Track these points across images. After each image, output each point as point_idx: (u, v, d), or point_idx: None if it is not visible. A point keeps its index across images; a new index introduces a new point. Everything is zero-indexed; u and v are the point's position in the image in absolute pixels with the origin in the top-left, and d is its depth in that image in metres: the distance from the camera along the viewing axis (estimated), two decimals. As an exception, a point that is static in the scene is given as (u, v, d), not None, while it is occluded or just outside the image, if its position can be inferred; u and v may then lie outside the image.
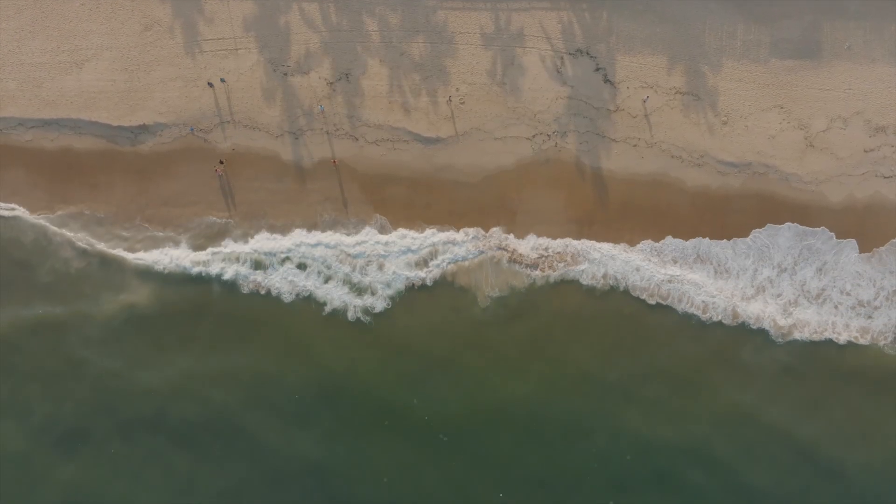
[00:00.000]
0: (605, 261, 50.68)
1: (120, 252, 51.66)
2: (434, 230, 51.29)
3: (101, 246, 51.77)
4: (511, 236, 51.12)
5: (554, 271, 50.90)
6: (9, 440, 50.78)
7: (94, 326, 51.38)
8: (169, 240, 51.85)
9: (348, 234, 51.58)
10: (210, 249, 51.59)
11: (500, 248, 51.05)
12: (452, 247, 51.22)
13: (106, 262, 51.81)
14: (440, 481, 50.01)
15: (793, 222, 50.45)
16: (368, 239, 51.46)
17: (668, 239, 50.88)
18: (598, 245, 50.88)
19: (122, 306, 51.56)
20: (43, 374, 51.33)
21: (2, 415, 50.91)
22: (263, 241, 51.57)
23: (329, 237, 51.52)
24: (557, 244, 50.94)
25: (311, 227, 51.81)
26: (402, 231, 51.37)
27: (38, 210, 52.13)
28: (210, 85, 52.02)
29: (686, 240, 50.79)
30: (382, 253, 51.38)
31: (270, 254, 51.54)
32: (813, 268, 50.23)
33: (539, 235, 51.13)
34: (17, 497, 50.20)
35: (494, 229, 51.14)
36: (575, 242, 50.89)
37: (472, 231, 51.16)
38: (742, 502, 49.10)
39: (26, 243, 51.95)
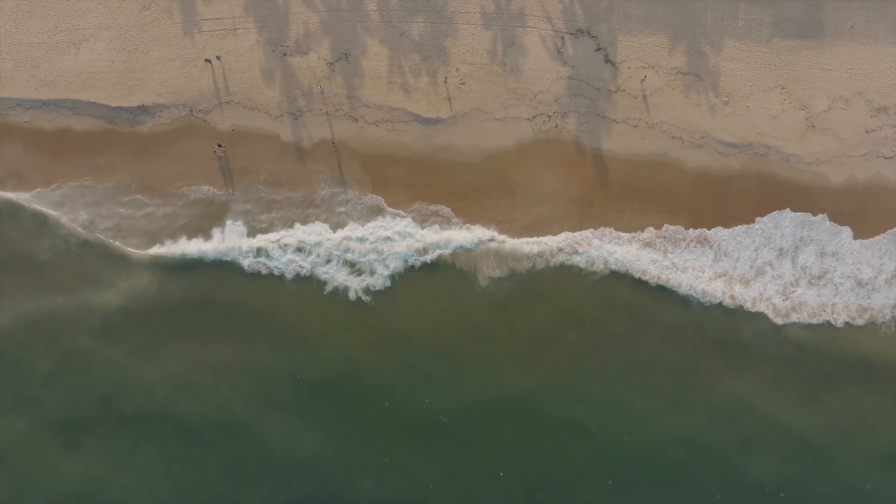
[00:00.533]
0: (606, 248, 50.65)
1: (117, 243, 51.76)
2: (435, 228, 51.18)
3: (99, 234, 51.78)
4: (513, 240, 51.18)
5: (554, 257, 50.93)
6: (8, 433, 51.15)
7: (90, 313, 51.59)
8: (168, 217, 51.83)
9: (348, 224, 51.55)
10: (214, 241, 51.59)
11: (500, 242, 51.15)
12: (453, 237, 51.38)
13: (103, 247, 51.86)
14: (441, 462, 50.36)
15: (794, 204, 50.23)
16: (369, 229, 51.45)
17: (671, 227, 50.85)
18: (599, 232, 50.83)
19: (119, 292, 51.68)
20: (40, 365, 51.68)
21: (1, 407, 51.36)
22: (267, 236, 51.69)
23: (326, 230, 51.51)
24: (558, 239, 50.88)
25: (309, 204, 51.80)
26: (403, 222, 51.25)
27: (37, 187, 52.12)
28: (208, 61, 51.72)
29: (687, 228, 50.67)
30: (383, 237, 51.34)
31: (272, 241, 51.63)
32: (813, 252, 50.18)
33: (540, 235, 51.18)
34: (18, 490, 50.65)
35: (494, 232, 51.14)
36: (576, 235, 50.83)
37: (471, 235, 51.14)
38: (737, 485, 49.40)
39: (22, 227, 51.95)
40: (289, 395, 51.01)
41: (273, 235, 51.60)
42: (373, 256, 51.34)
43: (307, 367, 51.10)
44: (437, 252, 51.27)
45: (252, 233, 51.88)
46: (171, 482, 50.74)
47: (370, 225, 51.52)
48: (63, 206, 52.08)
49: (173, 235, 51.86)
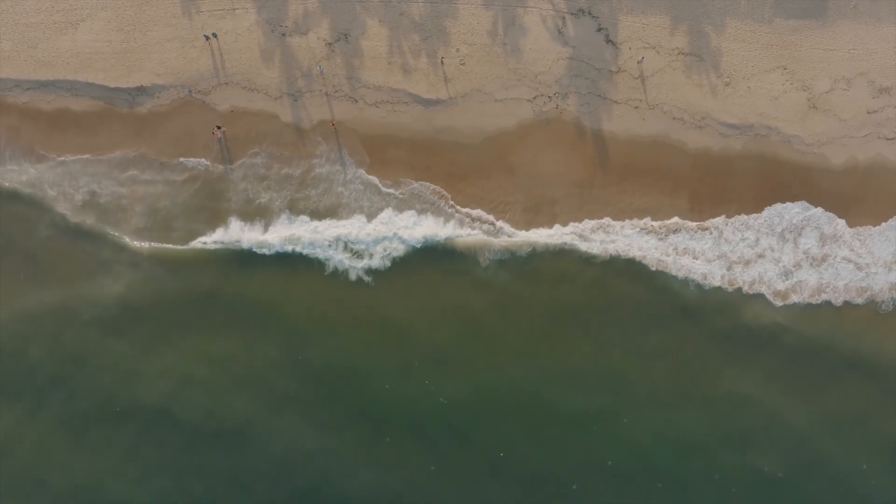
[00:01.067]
0: (608, 236, 50.83)
1: (115, 232, 51.86)
2: (434, 217, 51.18)
3: (98, 218, 51.81)
4: (516, 230, 51.20)
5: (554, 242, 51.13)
6: (8, 425, 51.49)
7: (85, 303, 51.72)
8: (167, 196, 51.78)
9: (352, 217, 51.51)
10: (215, 235, 51.62)
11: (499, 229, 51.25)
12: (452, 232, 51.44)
13: (102, 237, 51.97)
14: (440, 443, 50.64)
15: (794, 186, 50.15)
16: (371, 222, 51.55)
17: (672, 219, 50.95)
18: (597, 223, 50.87)
19: (116, 283, 51.71)
20: (40, 357, 51.89)
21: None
22: (266, 235, 51.63)
23: (326, 225, 51.54)
24: (562, 231, 50.91)
25: (308, 184, 51.63)
26: (406, 216, 51.21)
27: (36, 165, 52.08)
28: (206, 38, 51.35)
29: (687, 219, 50.67)
30: (384, 222, 51.43)
31: (272, 235, 51.68)
32: (814, 237, 50.21)
33: (540, 215, 51.20)
34: (18, 483, 51.07)
35: (501, 223, 51.10)
36: (578, 225, 50.86)
37: (470, 231, 51.20)
38: (734, 464, 49.73)
39: (19, 215, 52.01)
40: (289, 377, 51.14)
41: (271, 232, 51.33)
42: (372, 241, 51.30)
43: (308, 348, 51.19)
44: (437, 240, 51.27)
45: (250, 211, 51.63)
46: (170, 466, 51.12)
47: (373, 222, 51.38)
48: (61, 186, 51.94)
49: (172, 216, 51.77)
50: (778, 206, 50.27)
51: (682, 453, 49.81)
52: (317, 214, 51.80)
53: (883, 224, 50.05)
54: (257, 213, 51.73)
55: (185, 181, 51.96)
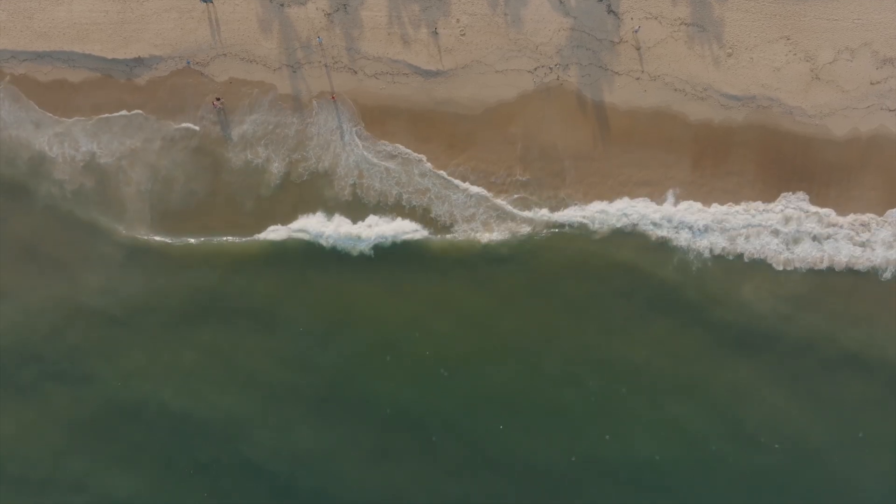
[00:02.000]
0: (608, 207, 50.92)
1: (106, 219, 51.99)
2: (435, 200, 51.36)
3: (94, 204, 51.95)
4: (515, 207, 51.19)
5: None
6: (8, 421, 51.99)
7: (80, 287, 51.94)
8: (166, 165, 51.61)
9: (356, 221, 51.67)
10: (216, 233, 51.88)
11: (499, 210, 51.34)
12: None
13: (99, 216, 52.00)
14: (441, 415, 51.04)
15: (796, 157, 50.04)
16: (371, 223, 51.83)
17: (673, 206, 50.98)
18: (601, 197, 50.92)
19: (110, 266, 51.90)
20: (35, 350, 52.18)
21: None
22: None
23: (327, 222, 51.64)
24: (562, 208, 51.08)
25: (308, 149, 51.51)
26: (412, 225, 51.36)
27: (34, 126, 52.00)
28: (204, 1, 50.75)
29: (693, 193, 50.73)
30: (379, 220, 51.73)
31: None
32: (815, 220, 50.34)
33: (540, 189, 51.20)
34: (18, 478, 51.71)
35: (500, 200, 50.95)
36: (578, 200, 50.89)
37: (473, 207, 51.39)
38: (731, 436, 50.25)
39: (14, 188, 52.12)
40: (290, 350, 51.40)
41: (272, 228, 51.56)
42: (369, 227, 51.62)
43: (308, 320, 51.38)
44: (435, 219, 51.32)
45: (252, 183, 51.54)
46: (170, 457, 51.74)
47: (375, 224, 51.55)
48: (62, 147, 51.74)
49: (172, 181, 51.65)
50: (782, 199, 50.38)
51: (681, 425, 50.19)
52: (315, 176, 51.48)
53: (889, 211, 50.17)
54: (259, 183, 51.58)
55: (184, 150, 51.61)
